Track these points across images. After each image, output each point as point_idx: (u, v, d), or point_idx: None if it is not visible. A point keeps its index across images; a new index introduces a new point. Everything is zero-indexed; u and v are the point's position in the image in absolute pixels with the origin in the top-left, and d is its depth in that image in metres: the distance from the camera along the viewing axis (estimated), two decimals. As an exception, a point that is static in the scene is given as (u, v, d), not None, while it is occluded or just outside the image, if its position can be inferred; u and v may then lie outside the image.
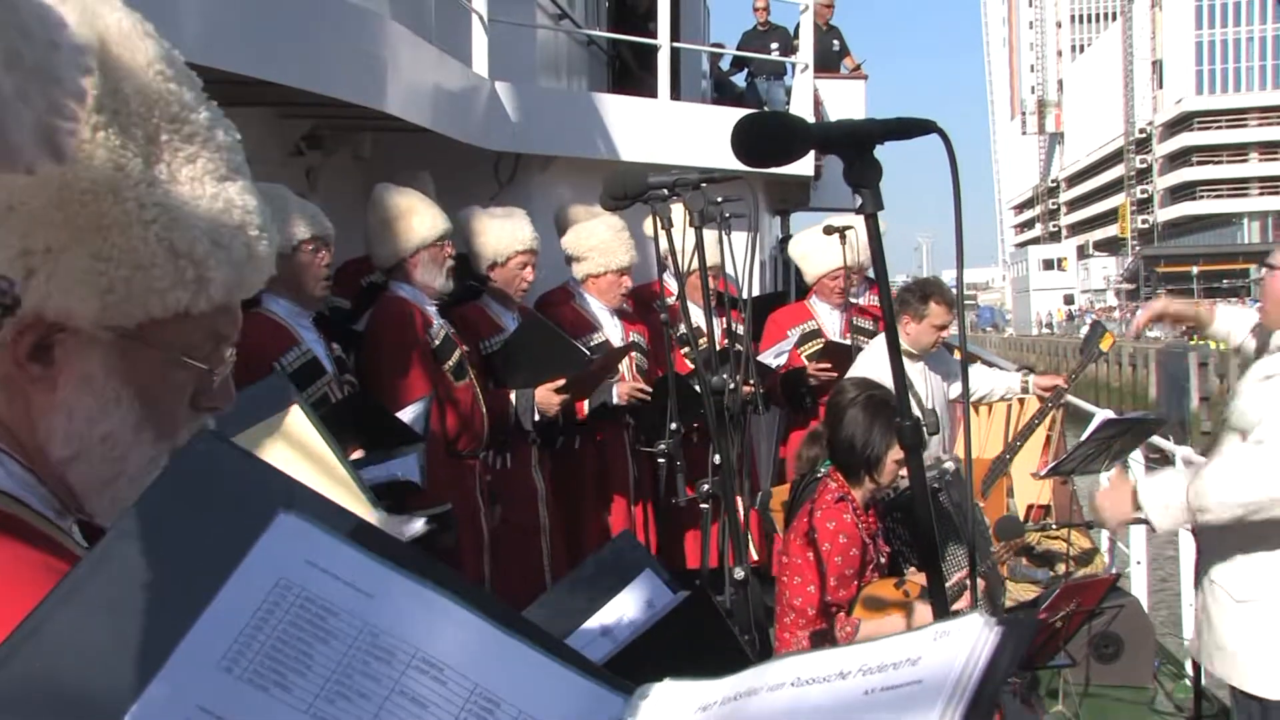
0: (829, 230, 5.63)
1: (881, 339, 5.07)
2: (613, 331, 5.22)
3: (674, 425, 3.37)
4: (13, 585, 0.85)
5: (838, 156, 1.40)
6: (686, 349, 5.18)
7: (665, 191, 2.82)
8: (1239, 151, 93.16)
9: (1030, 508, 6.52)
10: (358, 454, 3.30)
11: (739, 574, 2.77)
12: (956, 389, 5.09)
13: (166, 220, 0.95)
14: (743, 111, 1.65)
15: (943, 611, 1.49)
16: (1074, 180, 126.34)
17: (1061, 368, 34.15)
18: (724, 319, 3.88)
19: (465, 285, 4.74)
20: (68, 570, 0.75)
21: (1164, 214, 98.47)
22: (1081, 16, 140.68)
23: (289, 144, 5.15)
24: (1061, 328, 66.39)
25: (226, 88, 3.52)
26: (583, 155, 6.86)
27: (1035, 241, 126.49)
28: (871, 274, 5.25)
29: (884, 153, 1.41)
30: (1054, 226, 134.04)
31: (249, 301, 1.08)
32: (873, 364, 4.53)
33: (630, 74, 9.18)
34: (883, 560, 3.59)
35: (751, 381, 3.83)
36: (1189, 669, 5.03)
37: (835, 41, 11.46)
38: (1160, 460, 7.10)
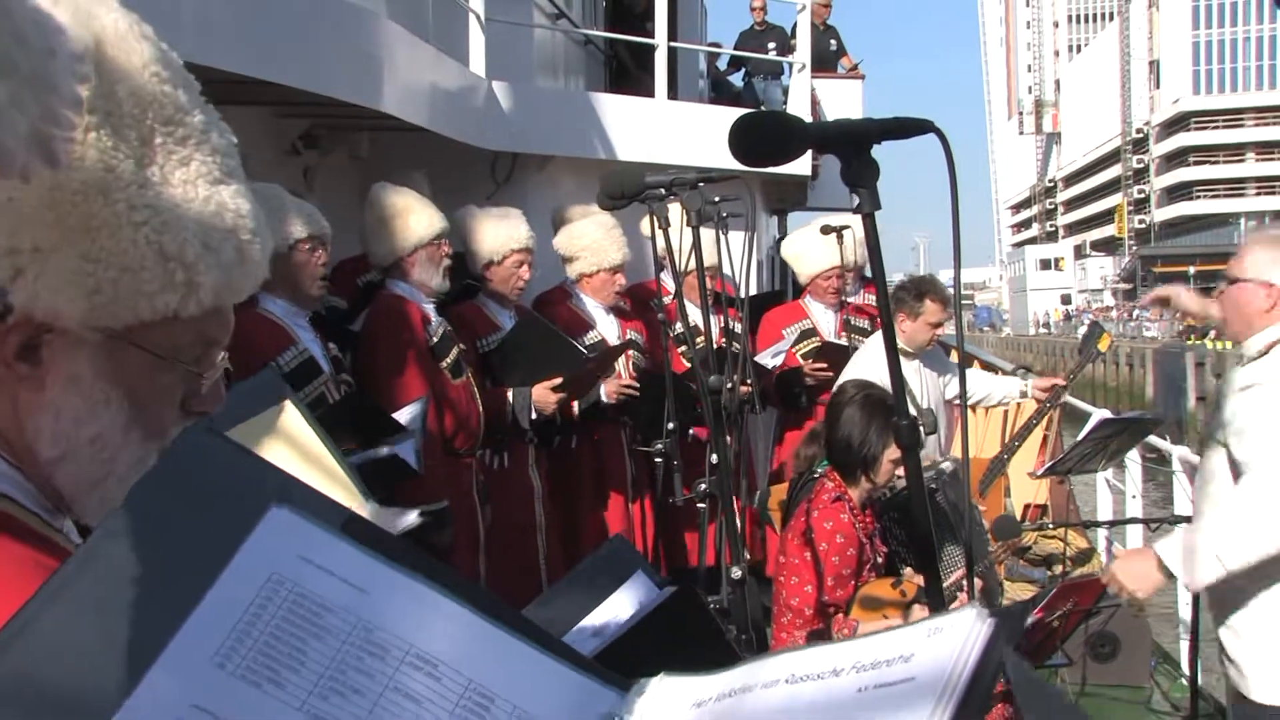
0: (826, 230, 5.63)
1: (877, 338, 5.07)
2: (609, 330, 5.22)
3: (671, 425, 3.37)
4: (2, 583, 0.85)
5: (835, 156, 1.40)
6: (684, 348, 5.18)
7: (662, 191, 2.82)
8: (1236, 151, 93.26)
9: (1027, 507, 6.53)
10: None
11: (736, 574, 2.76)
12: (953, 389, 5.09)
13: (157, 222, 0.95)
14: (740, 111, 1.64)
15: (940, 611, 1.49)
16: (1071, 180, 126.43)
17: (1059, 368, 34.23)
18: (721, 318, 3.88)
19: (462, 284, 4.75)
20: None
21: (1161, 214, 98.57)
22: (1078, 16, 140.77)
23: (286, 143, 5.15)
24: (1058, 327, 66.45)
25: (223, 87, 3.52)
26: (580, 155, 6.86)
27: (1032, 241, 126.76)
28: (867, 273, 5.27)
29: (881, 152, 1.41)
30: (1051, 226, 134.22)
31: (245, 301, 1.07)
32: (868, 363, 4.53)
33: (627, 73, 9.18)
34: (880, 560, 3.59)
35: (749, 381, 3.83)
36: (1185, 668, 5.04)
37: (832, 41, 11.47)
38: (1157, 460, 7.12)
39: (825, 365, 5.47)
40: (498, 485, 4.60)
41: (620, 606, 1.19)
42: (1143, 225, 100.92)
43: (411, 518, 2.83)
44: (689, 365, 5.13)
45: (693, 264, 2.85)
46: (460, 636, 0.77)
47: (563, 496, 5.02)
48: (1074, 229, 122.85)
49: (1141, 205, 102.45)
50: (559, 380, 4.58)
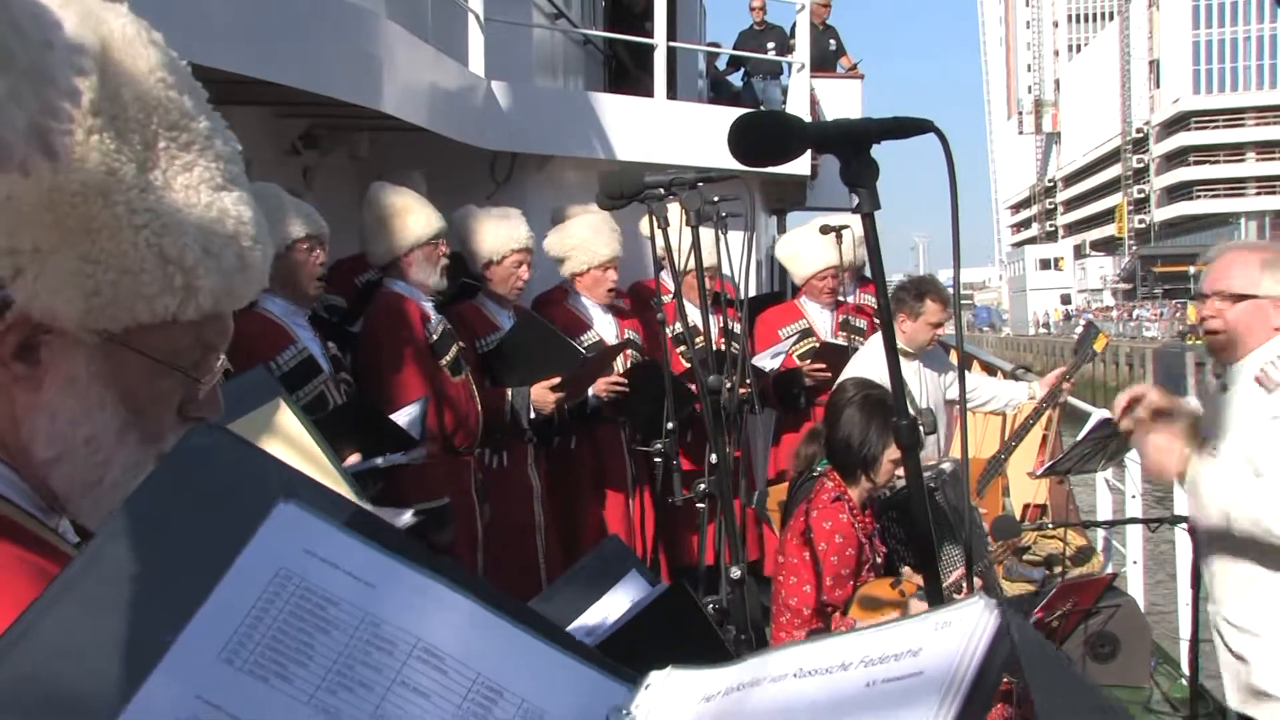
0: (825, 230, 5.63)
1: (877, 338, 5.07)
2: (606, 329, 5.22)
3: (670, 424, 3.37)
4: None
5: (834, 156, 1.40)
6: (682, 348, 5.18)
7: (662, 191, 2.83)
8: (1236, 151, 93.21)
9: (1026, 507, 6.52)
10: (354, 458, 3.31)
11: (735, 573, 2.77)
12: (954, 390, 5.10)
13: (157, 226, 0.95)
14: (739, 111, 1.65)
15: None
16: (1071, 180, 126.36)
17: (1058, 367, 34.09)
18: (720, 318, 3.88)
19: (461, 284, 4.76)
20: (55, 567, 0.75)
21: (1161, 214, 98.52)
22: (1078, 16, 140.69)
23: (285, 143, 5.16)
24: (1058, 327, 66.43)
25: (223, 87, 3.51)
26: (579, 155, 6.86)
27: (1032, 241, 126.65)
28: (867, 273, 5.27)
29: (880, 152, 1.41)
30: (1050, 226, 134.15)
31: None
32: (868, 363, 4.53)
33: (626, 73, 9.18)
34: (879, 560, 3.59)
35: (748, 381, 3.84)
36: (1185, 668, 5.04)
37: (832, 41, 11.46)
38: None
39: (824, 366, 5.47)
40: (496, 484, 4.61)
41: (615, 605, 1.20)
42: (1143, 225, 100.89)
43: (406, 518, 2.84)
44: (688, 365, 5.13)
45: (692, 264, 2.86)
46: (467, 630, 0.78)
47: (562, 496, 5.03)
48: (1074, 229, 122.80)
49: (1141, 205, 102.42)
50: (558, 380, 4.59)
